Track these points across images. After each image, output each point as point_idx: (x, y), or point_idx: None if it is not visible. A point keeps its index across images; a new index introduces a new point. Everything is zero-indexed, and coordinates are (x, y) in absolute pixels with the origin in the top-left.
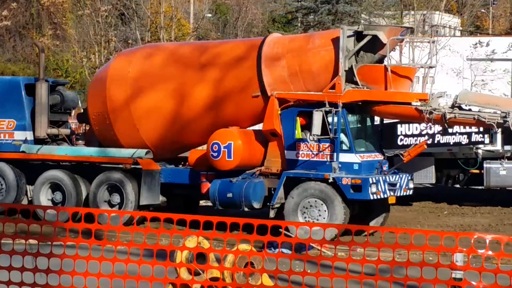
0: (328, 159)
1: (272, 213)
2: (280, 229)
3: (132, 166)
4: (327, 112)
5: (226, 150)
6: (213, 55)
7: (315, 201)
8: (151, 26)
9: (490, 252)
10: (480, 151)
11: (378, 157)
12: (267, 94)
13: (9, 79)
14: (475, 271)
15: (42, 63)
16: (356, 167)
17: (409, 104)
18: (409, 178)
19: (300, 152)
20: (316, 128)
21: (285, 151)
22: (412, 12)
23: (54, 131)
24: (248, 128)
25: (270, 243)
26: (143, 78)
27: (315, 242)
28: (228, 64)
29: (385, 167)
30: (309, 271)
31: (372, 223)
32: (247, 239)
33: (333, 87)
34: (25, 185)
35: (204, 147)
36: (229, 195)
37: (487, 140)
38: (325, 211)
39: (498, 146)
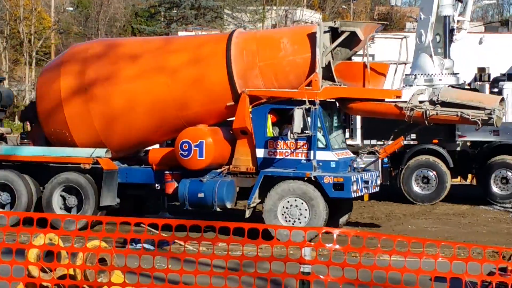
0: (304, 157)
1: (248, 213)
2: (143, 225)
3: (92, 166)
4: (306, 110)
5: (197, 149)
6: (176, 51)
7: (295, 200)
8: (10, 19)
9: (337, 246)
10: None
11: (349, 154)
12: (237, 93)
13: None
14: (323, 265)
15: None
16: (333, 165)
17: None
18: (377, 174)
19: (273, 150)
20: (297, 126)
21: (256, 149)
22: (275, 8)
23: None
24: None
25: (132, 240)
26: (101, 75)
27: (166, 238)
28: (194, 63)
29: (354, 164)
30: (170, 266)
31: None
32: (96, 236)
33: (309, 84)
34: None
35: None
36: (201, 195)
37: (347, 135)
38: (306, 209)
39: (357, 141)
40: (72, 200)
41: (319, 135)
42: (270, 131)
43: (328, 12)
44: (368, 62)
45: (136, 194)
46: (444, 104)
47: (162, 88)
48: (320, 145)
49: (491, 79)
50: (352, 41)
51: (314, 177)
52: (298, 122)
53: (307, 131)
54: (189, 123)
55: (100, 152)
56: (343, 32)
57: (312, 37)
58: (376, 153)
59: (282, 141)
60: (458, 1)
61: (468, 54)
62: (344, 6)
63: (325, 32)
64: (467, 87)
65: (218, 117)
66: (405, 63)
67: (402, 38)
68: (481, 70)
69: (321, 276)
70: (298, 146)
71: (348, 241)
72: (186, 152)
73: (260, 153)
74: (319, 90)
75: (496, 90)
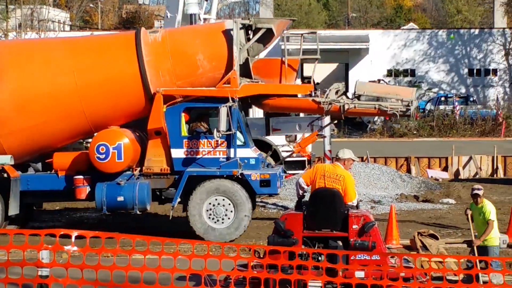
0: (223, 155)
1: (172, 214)
2: None
3: None
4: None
5: (115, 151)
6: (86, 50)
7: (223, 199)
8: None
9: (75, 248)
10: None
11: (258, 150)
12: (151, 95)
13: None
14: (62, 268)
15: None
16: (253, 161)
17: (301, 96)
18: (283, 169)
19: (190, 150)
20: (223, 124)
21: (171, 150)
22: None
23: None
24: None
25: None
26: (7, 77)
27: None
28: (101, 63)
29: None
30: None
31: None
32: None
33: (227, 82)
34: None
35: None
36: (120, 198)
37: None
38: (231, 211)
39: None
40: None
41: (238, 133)
42: (185, 130)
43: (75, 10)
44: (286, 58)
45: (31, 202)
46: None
47: (70, 91)
48: (239, 142)
49: None
50: (265, 37)
51: (241, 174)
52: (223, 120)
53: (229, 129)
54: (96, 126)
55: (5, 159)
56: (258, 29)
57: (228, 38)
58: (291, 147)
59: (200, 140)
60: (204, 0)
61: None
62: (91, 5)
63: (240, 29)
64: None
65: (126, 119)
66: (317, 59)
67: (317, 34)
68: None
69: (60, 279)
70: (218, 144)
71: (86, 242)
72: (104, 155)
73: (176, 153)
74: (238, 88)
75: None
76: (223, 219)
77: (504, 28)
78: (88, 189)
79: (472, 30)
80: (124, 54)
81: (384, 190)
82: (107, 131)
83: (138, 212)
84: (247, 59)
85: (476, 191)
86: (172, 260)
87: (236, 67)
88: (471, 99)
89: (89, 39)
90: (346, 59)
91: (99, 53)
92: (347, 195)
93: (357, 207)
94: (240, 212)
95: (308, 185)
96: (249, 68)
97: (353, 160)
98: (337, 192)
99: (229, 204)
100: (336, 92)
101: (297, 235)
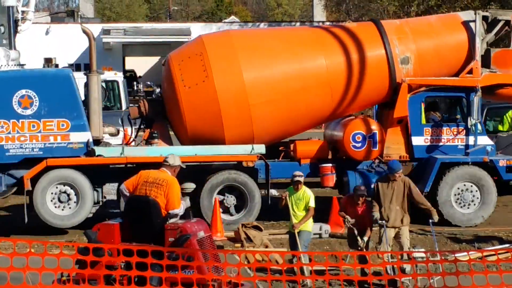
0: (460, 143)
1: None
2: None
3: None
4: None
5: (371, 140)
6: (333, 39)
7: (471, 185)
8: None
9: None
10: None
11: None
12: (395, 85)
13: (54, 71)
14: None
15: (94, 53)
16: (489, 149)
17: None
18: None
19: (430, 138)
20: (476, 113)
21: (412, 137)
22: None
23: (111, 129)
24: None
25: None
26: (258, 67)
27: None
28: (349, 51)
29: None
30: None
31: None
32: None
33: (469, 72)
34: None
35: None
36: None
37: None
38: (476, 191)
39: None
40: (231, 200)
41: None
42: (424, 118)
43: None
44: None
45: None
46: None
47: (320, 78)
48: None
49: None
50: (500, 28)
51: (491, 161)
52: (477, 109)
53: (474, 118)
54: (336, 114)
55: (261, 148)
56: (496, 20)
57: (468, 30)
58: None
59: (441, 128)
60: None
61: (35, 44)
62: None
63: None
64: None
65: (364, 107)
66: None
67: None
68: (48, 60)
69: None
70: (458, 132)
71: None
72: (360, 144)
73: (416, 140)
74: (480, 78)
75: None
76: (469, 204)
77: (324, 22)
78: (335, 177)
79: (292, 23)
80: (370, 45)
81: None
82: (360, 120)
83: None
84: (487, 50)
85: (298, 178)
86: None
87: (478, 57)
88: None
89: (335, 30)
90: (168, 52)
91: (346, 41)
92: (169, 201)
93: (185, 216)
94: (487, 197)
95: (130, 192)
96: (489, 58)
97: (181, 168)
98: (152, 200)
99: (476, 190)
100: None
101: None
